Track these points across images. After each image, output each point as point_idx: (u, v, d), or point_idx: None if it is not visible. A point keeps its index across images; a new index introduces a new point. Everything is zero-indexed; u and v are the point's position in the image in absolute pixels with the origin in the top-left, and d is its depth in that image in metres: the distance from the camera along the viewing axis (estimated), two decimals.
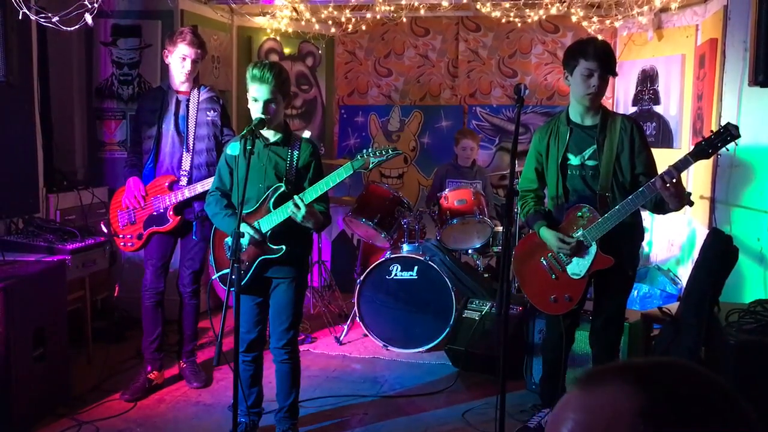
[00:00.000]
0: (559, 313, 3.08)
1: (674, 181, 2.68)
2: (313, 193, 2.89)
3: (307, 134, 3.23)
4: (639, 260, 3.19)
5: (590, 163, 2.98)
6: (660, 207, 2.89)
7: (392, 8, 5.48)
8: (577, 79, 2.92)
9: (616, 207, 2.84)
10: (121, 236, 3.76)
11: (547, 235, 3.00)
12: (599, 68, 2.87)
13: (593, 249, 2.92)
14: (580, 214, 2.95)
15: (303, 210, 2.84)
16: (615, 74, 3.01)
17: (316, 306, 5.26)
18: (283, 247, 2.96)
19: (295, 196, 2.87)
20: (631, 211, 2.84)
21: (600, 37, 4.14)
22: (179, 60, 3.63)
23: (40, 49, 4.21)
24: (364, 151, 2.95)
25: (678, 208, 2.83)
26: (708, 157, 2.75)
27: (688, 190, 4.28)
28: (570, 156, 3.01)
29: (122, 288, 4.49)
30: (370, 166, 2.92)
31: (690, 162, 2.70)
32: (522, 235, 4.66)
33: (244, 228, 2.86)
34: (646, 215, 4.38)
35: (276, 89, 2.89)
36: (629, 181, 2.96)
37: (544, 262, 3.07)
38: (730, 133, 2.63)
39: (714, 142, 2.66)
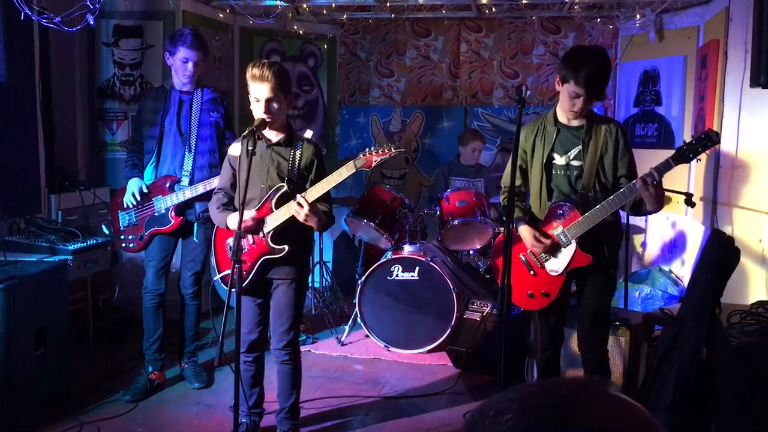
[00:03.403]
0: (536, 308, 3.12)
1: (655, 183, 2.73)
2: (315, 192, 2.88)
3: (308, 134, 3.22)
4: (619, 260, 3.20)
5: (575, 163, 3.01)
6: (637, 208, 2.93)
7: (394, 9, 5.48)
8: (564, 94, 2.97)
9: (597, 206, 2.88)
10: (122, 237, 3.76)
11: (525, 232, 3.02)
12: (585, 94, 2.89)
13: (572, 246, 2.95)
14: (561, 212, 2.99)
15: (306, 209, 2.83)
16: (603, 98, 3.05)
17: (317, 307, 5.26)
18: (286, 247, 2.96)
19: (298, 196, 2.85)
20: (611, 211, 2.88)
21: (599, 42, 4.13)
22: (181, 63, 3.60)
23: (42, 49, 4.21)
24: (366, 149, 2.94)
25: (656, 210, 2.87)
26: (688, 161, 2.82)
27: (690, 191, 4.29)
28: (555, 156, 3.04)
29: (123, 288, 4.49)
30: (373, 164, 2.92)
31: (671, 165, 2.76)
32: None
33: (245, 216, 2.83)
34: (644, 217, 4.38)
35: (277, 87, 2.87)
36: (611, 183, 2.99)
37: (522, 258, 3.09)
38: (710, 138, 2.72)
39: (695, 147, 2.74)
